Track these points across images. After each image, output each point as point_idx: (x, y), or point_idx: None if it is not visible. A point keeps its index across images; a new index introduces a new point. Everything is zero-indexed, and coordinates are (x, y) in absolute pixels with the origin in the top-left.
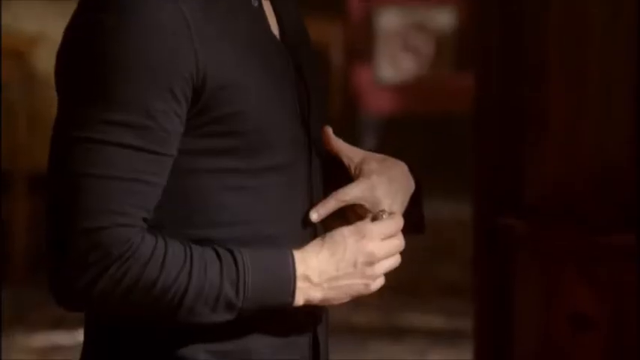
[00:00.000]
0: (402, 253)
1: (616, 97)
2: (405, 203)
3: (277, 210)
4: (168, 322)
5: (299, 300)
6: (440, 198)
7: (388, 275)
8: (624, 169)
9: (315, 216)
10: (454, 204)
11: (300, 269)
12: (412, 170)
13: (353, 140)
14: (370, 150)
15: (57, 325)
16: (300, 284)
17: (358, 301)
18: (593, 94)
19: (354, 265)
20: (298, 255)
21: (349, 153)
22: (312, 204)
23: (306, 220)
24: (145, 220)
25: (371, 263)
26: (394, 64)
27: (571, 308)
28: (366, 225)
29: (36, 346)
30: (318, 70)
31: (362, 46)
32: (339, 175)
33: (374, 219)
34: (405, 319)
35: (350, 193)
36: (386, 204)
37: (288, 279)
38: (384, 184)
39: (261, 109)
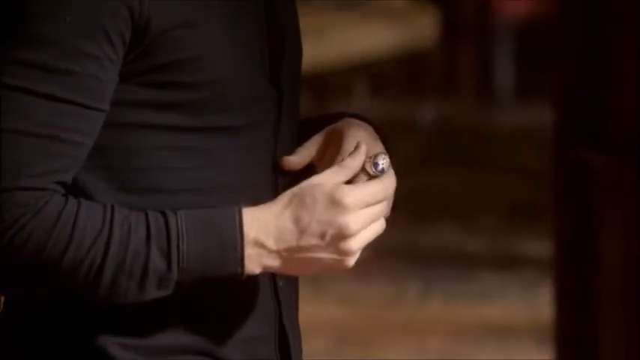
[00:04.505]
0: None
1: None
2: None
3: (231, 178)
4: (94, 300)
5: (253, 268)
6: None
7: (504, 198)
8: None
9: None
10: None
11: (251, 232)
12: (380, 134)
13: (484, 45)
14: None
15: None
16: (250, 250)
17: (471, 227)
18: None
19: (321, 237)
20: (250, 215)
21: (316, 142)
22: (276, 172)
23: (265, 191)
24: (63, 184)
25: (344, 237)
26: None
27: None
28: (345, 188)
29: None
30: (295, 11)
31: None
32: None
33: (364, 167)
34: (519, 245)
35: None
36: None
37: (234, 244)
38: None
39: (217, 59)
